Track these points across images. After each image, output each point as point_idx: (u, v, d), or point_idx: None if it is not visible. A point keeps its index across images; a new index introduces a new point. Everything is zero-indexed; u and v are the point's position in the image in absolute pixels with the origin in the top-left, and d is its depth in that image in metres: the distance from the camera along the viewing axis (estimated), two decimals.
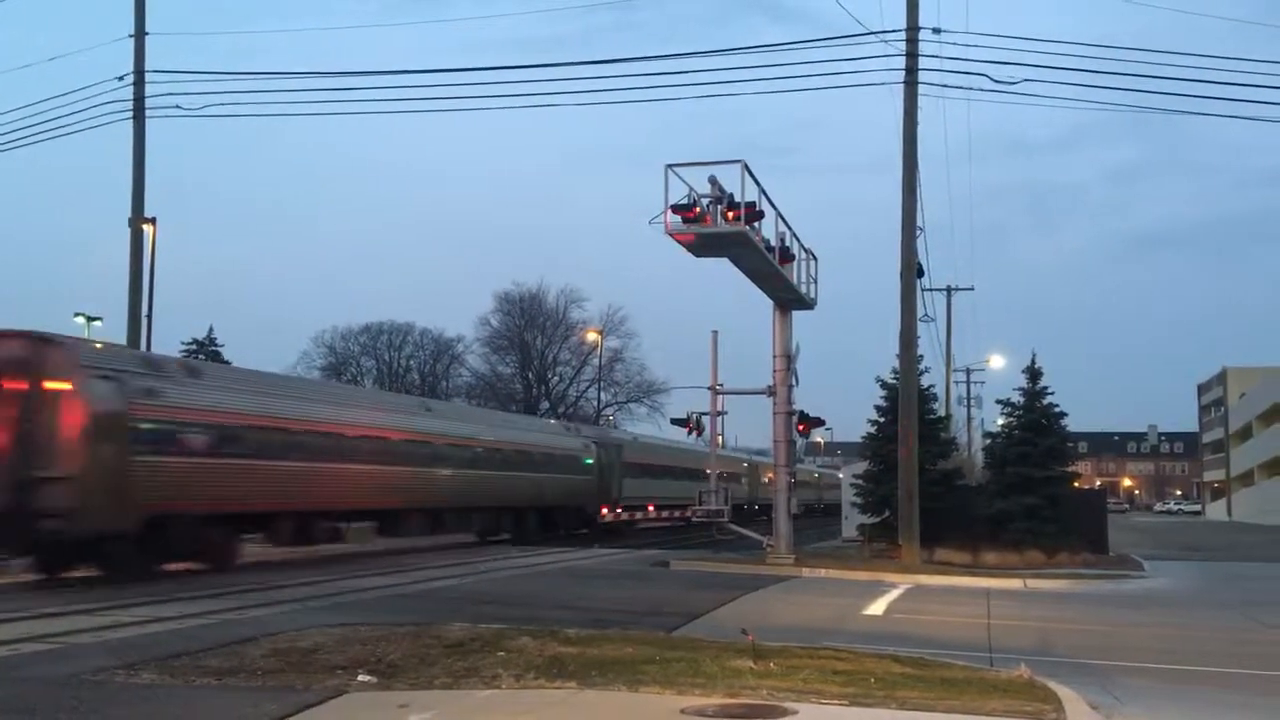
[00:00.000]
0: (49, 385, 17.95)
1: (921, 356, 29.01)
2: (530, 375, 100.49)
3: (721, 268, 23.02)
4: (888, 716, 7.98)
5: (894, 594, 19.54)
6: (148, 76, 29.17)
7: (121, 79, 28.84)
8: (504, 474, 32.43)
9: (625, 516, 41.66)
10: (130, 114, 28.93)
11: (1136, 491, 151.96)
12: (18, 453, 17.77)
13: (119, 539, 18.43)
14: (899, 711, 8.13)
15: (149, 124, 29.29)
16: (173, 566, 20.24)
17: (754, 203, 21.13)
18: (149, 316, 30.96)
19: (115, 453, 18.39)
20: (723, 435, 28.87)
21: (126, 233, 29.70)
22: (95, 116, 28.06)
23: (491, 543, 32.46)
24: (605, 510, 39.78)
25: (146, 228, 30.87)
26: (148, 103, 29.05)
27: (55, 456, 17.71)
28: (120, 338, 29.75)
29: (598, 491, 38.41)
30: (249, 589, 17.27)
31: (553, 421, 50.70)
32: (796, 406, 25.97)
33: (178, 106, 27.93)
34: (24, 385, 17.98)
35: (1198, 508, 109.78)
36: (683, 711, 7.83)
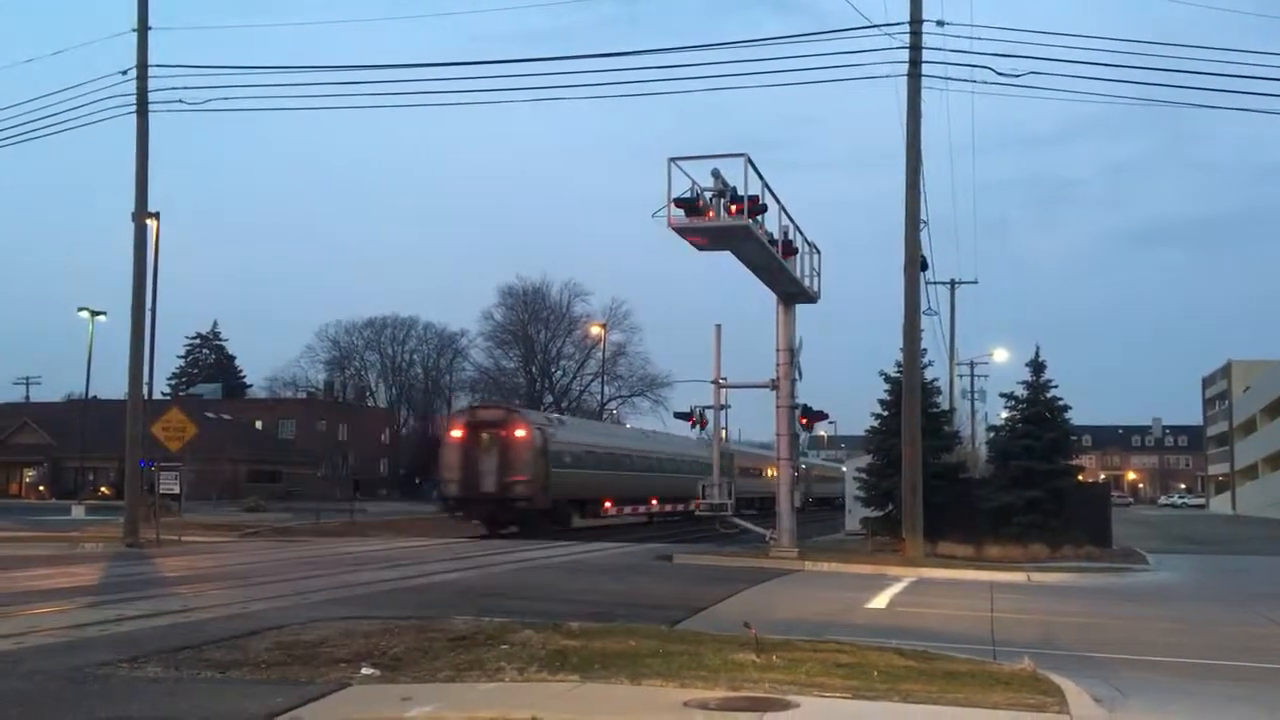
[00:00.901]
0: (517, 433, 35.48)
1: (925, 350, 29.00)
2: (534, 369, 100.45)
3: (725, 261, 23.03)
4: (891, 709, 7.98)
5: (897, 587, 19.53)
6: (151, 71, 29.15)
7: (125, 73, 28.82)
8: (679, 476, 47.47)
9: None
10: (134, 108, 28.92)
11: (1140, 485, 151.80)
12: (502, 467, 34.49)
13: (542, 512, 35.31)
14: (902, 704, 8.13)
15: (153, 118, 29.29)
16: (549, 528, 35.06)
17: (757, 196, 21.10)
18: (153, 311, 31.03)
19: (545, 467, 35.70)
20: (726, 429, 29.06)
21: (130, 227, 29.70)
22: (99, 111, 28.04)
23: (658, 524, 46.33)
24: None
25: (150, 222, 30.88)
26: (151, 97, 29.02)
27: (522, 469, 34.88)
28: (124, 332, 29.83)
29: None
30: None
31: (694, 437, 68.38)
32: (800, 400, 25.96)
33: (181, 101, 27.92)
34: (504, 433, 35.06)
35: (1202, 501, 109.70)
36: (685, 704, 7.83)
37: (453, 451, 35.76)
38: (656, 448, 50.96)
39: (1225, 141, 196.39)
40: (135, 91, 28.87)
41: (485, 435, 34.90)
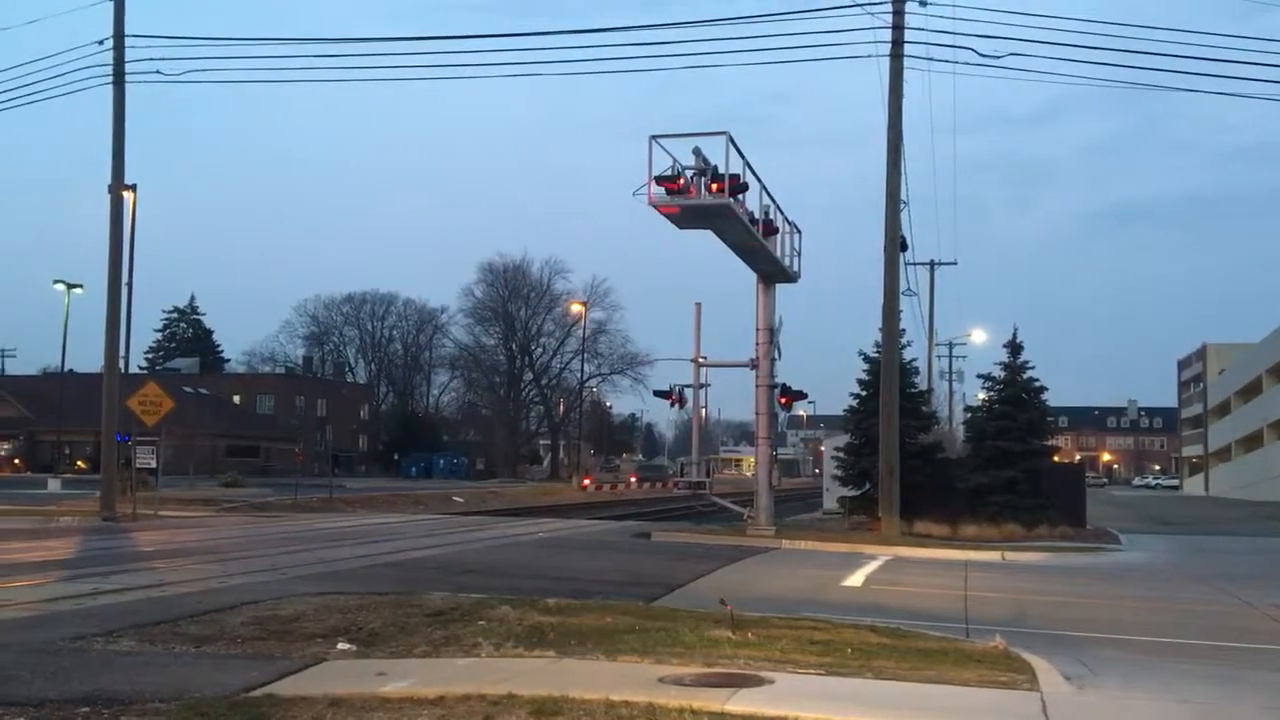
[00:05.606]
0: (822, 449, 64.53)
1: (904, 330, 29.10)
2: (514, 346, 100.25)
3: (706, 240, 23.00)
4: (863, 686, 8.04)
5: (873, 566, 19.67)
6: (128, 41, 28.80)
7: (101, 43, 28.49)
8: None
9: None
10: (110, 79, 28.59)
11: (1115, 466, 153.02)
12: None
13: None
14: (875, 681, 8.19)
15: (130, 89, 28.96)
16: None
17: (738, 175, 21.07)
18: (129, 284, 30.73)
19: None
20: (705, 408, 29.13)
21: (107, 199, 29.41)
22: (75, 81, 27.74)
23: None
24: None
25: (126, 195, 30.57)
26: (128, 68, 28.69)
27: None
28: (101, 305, 29.60)
29: None
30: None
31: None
32: (779, 379, 26.03)
33: (158, 72, 27.61)
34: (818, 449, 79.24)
35: (1176, 482, 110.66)
36: (660, 680, 7.87)
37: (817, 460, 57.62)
38: None
39: (1203, 122, 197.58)
40: (112, 61, 28.54)
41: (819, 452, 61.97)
